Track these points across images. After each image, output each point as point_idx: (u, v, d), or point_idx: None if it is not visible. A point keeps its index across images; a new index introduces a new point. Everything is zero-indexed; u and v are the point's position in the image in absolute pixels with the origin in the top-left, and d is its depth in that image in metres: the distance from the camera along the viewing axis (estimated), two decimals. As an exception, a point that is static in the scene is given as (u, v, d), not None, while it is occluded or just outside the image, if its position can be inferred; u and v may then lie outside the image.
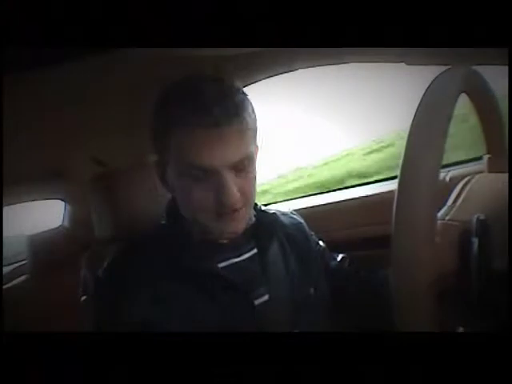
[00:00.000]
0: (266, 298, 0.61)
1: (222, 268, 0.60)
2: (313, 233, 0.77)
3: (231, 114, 0.51)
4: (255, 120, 0.58)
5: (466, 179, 0.52)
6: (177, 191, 0.59)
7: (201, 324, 0.55)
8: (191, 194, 0.54)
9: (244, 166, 0.55)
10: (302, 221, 0.77)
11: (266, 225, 0.66)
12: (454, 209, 0.45)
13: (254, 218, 0.66)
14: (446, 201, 0.48)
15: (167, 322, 0.54)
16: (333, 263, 0.75)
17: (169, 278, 0.56)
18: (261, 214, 0.68)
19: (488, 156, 0.56)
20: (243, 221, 0.58)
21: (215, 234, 0.59)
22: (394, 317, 0.36)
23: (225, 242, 0.62)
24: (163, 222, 0.65)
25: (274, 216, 0.69)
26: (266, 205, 1.25)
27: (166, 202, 0.66)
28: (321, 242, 0.77)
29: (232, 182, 0.53)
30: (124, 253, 0.62)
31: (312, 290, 0.66)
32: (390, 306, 0.36)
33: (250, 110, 0.56)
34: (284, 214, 0.76)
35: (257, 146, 0.61)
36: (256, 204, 0.70)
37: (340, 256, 0.77)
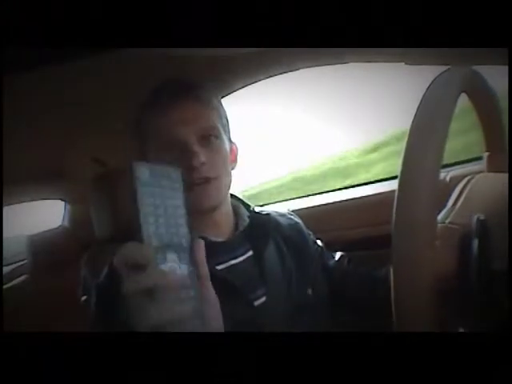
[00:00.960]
0: (264, 299, 0.61)
1: (220, 270, 0.60)
2: (311, 232, 0.77)
3: (190, 92, 0.60)
4: (224, 113, 0.66)
5: (466, 179, 0.52)
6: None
7: None
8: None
9: (208, 137, 0.61)
10: (299, 221, 0.77)
11: (259, 226, 0.67)
12: (454, 211, 0.45)
13: (247, 220, 0.67)
14: (447, 202, 0.48)
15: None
16: (331, 262, 0.75)
17: None
18: (254, 216, 0.68)
19: (488, 154, 0.56)
20: (215, 197, 0.60)
21: (191, 207, 0.59)
22: (393, 317, 0.36)
23: (219, 240, 0.62)
24: None
25: (268, 217, 0.70)
26: (262, 205, 1.25)
27: None
28: (319, 242, 0.77)
29: (196, 147, 0.58)
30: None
31: (310, 291, 0.66)
32: (390, 305, 0.36)
33: (216, 102, 0.64)
34: (281, 214, 0.75)
35: (234, 144, 0.69)
36: (249, 205, 0.70)
37: (338, 254, 0.77)
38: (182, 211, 0.40)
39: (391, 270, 0.36)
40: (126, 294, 0.34)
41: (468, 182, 0.51)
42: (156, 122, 0.60)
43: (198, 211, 0.60)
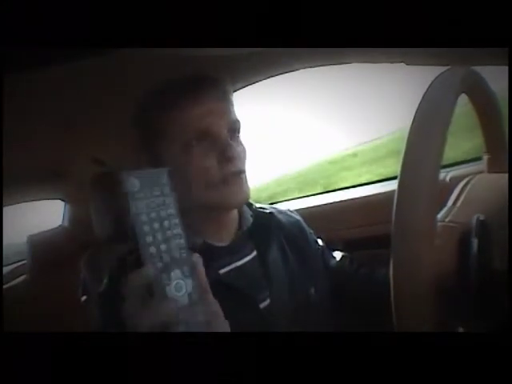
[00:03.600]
0: (269, 301, 0.60)
1: (224, 274, 0.59)
2: (311, 231, 0.76)
3: (214, 86, 0.60)
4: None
5: (466, 179, 0.52)
6: (181, 171, 0.59)
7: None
8: (196, 164, 0.57)
9: (235, 131, 0.60)
10: (300, 218, 0.76)
11: (263, 225, 0.66)
12: (454, 210, 0.45)
13: (251, 219, 0.66)
14: (447, 201, 0.48)
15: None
16: (333, 262, 0.74)
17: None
18: (257, 215, 0.67)
19: (488, 156, 0.56)
20: (247, 189, 0.59)
21: (223, 202, 0.58)
22: (393, 317, 0.36)
23: (224, 245, 0.61)
24: None
25: (271, 216, 0.69)
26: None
27: None
28: (319, 241, 0.76)
29: (229, 140, 0.58)
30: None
31: (313, 290, 0.66)
32: (390, 305, 0.36)
33: (232, 98, 0.63)
34: (281, 212, 0.75)
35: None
36: (252, 204, 0.70)
37: (340, 255, 0.76)
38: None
39: (391, 269, 0.36)
40: (136, 325, 0.37)
41: (468, 181, 0.51)
42: (181, 117, 0.58)
43: (230, 206, 0.60)
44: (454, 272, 0.38)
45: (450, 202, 0.48)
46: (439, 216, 0.44)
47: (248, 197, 0.60)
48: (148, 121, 0.61)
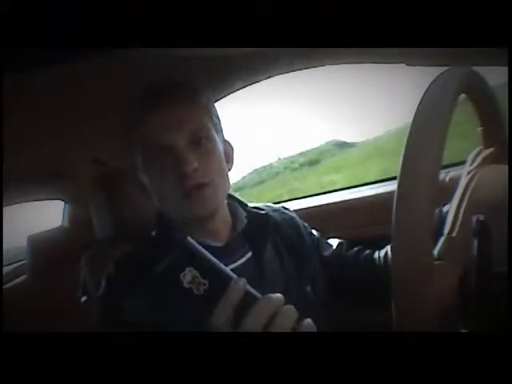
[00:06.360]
0: None
1: None
2: (306, 224, 0.76)
3: (175, 92, 0.58)
4: (215, 111, 0.63)
5: (467, 178, 0.51)
6: (150, 185, 0.61)
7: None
8: (159, 178, 0.57)
9: (199, 140, 0.58)
10: (294, 215, 0.76)
11: (258, 226, 0.66)
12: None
13: (245, 220, 0.66)
14: (447, 202, 0.48)
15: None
16: (329, 252, 0.73)
17: (167, 288, 0.56)
18: (252, 216, 0.67)
19: (488, 154, 0.55)
20: (211, 202, 0.58)
21: (185, 216, 0.59)
22: (394, 316, 0.36)
23: (219, 245, 0.62)
24: (153, 234, 0.66)
25: (265, 217, 0.68)
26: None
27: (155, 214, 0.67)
28: (314, 231, 0.76)
29: (188, 152, 0.56)
30: (129, 254, 0.63)
31: (309, 288, 0.66)
32: (389, 287, 0.36)
33: (205, 100, 0.61)
34: (275, 210, 0.74)
35: (228, 142, 0.66)
36: (246, 205, 0.70)
37: (336, 242, 0.75)
38: None
39: (390, 265, 0.36)
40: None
41: (469, 182, 0.50)
42: (144, 126, 0.57)
43: (196, 219, 0.59)
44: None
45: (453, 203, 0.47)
46: (436, 253, 0.42)
47: (212, 208, 0.59)
48: (127, 131, 0.62)
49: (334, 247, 0.74)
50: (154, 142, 0.56)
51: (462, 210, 0.45)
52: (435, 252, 0.41)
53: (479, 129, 0.55)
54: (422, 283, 0.34)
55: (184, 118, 0.57)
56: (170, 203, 0.59)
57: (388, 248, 0.68)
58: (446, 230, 0.44)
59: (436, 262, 0.39)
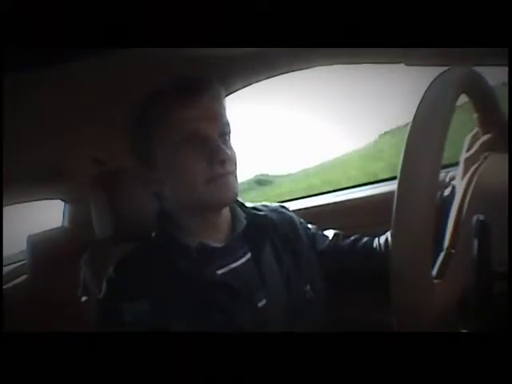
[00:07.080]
0: (265, 300, 0.61)
1: (221, 274, 0.60)
2: (302, 220, 0.76)
3: (205, 88, 0.60)
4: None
5: (467, 178, 0.50)
6: (170, 172, 0.61)
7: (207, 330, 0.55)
8: (184, 163, 0.59)
9: (226, 134, 0.62)
10: (292, 214, 0.76)
11: (257, 227, 0.66)
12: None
13: (244, 221, 0.66)
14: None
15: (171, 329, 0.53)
16: (326, 245, 0.74)
17: (171, 287, 0.57)
18: (251, 216, 0.68)
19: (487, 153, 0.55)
20: (232, 190, 0.60)
21: (210, 201, 0.60)
22: (394, 316, 0.36)
23: (219, 246, 0.62)
24: (153, 235, 0.66)
25: (264, 218, 0.69)
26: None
27: (155, 212, 0.67)
28: (310, 225, 0.76)
29: (220, 142, 0.59)
30: (131, 254, 0.63)
31: (308, 287, 0.66)
32: (387, 274, 0.36)
33: (224, 100, 0.65)
34: (273, 209, 0.75)
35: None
36: (245, 206, 0.70)
37: (332, 233, 0.76)
38: None
39: (391, 270, 0.36)
40: None
41: (469, 181, 0.50)
42: (174, 118, 0.59)
43: (217, 205, 0.61)
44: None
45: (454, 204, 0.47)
46: (435, 270, 0.41)
47: (235, 196, 0.62)
48: (142, 121, 0.62)
49: (330, 238, 0.75)
50: (185, 129, 0.59)
51: (460, 223, 0.44)
52: (434, 271, 0.40)
53: (475, 115, 0.54)
54: (421, 291, 0.34)
55: (215, 112, 0.61)
56: (190, 190, 0.60)
57: (388, 234, 0.68)
58: (446, 244, 0.44)
59: (435, 281, 0.39)
